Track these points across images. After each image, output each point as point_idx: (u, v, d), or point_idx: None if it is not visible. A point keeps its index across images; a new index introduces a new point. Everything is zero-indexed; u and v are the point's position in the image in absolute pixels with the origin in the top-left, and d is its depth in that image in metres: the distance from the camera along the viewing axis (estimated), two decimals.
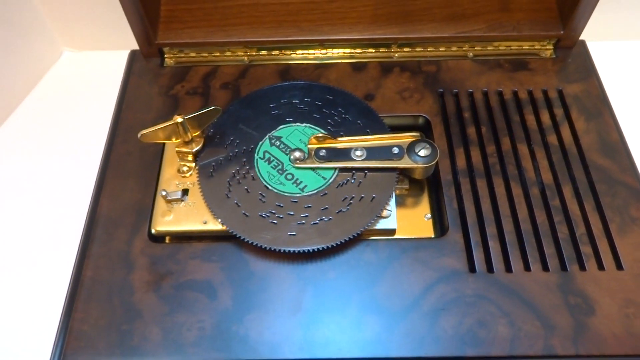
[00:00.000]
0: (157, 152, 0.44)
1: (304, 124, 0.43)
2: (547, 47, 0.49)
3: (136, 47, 0.50)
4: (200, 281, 0.38)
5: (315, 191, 0.40)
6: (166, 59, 0.50)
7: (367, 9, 0.49)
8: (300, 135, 0.43)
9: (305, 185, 0.40)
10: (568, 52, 0.49)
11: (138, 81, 0.48)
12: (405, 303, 0.37)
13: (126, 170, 0.43)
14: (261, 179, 0.40)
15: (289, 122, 0.43)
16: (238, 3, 0.49)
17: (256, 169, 0.41)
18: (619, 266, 0.38)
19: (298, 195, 0.40)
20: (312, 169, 0.41)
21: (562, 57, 0.49)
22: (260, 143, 0.42)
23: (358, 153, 0.41)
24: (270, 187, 0.40)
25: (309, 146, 0.42)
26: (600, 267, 0.38)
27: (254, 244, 0.38)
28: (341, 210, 0.39)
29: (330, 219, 0.39)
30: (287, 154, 0.42)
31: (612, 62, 0.58)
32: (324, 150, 0.41)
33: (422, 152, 0.40)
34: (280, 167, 0.41)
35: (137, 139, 0.44)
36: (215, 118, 0.41)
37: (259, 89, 0.46)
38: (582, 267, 0.38)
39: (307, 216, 0.39)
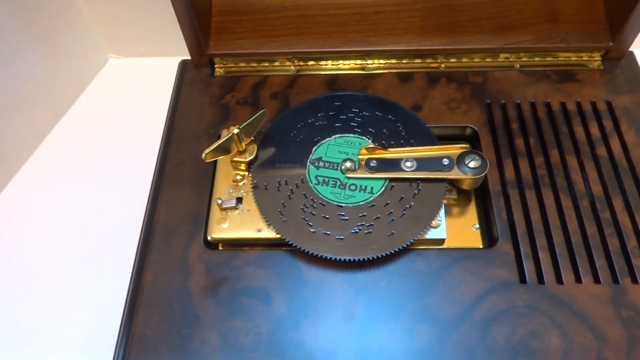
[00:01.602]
0: (210, 162, 0.45)
1: (333, 137, 0.44)
2: (595, 58, 0.49)
3: (181, 52, 0.52)
4: (256, 288, 0.39)
5: (383, 188, 0.41)
6: (216, 69, 0.51)
7: (414, 19, 0.49)
8: (336, 147, 0.43)
9: (372, 187, 0.41)
10: (616, 63, 0.49)
11: (189, 91, 0.50)
12: (457, 313, 0.38)
13: (181, 179, 0.45)
14: (331, 202, 0.41)
15: (317, 141, 0.44)
16: (286, 14, 0.50)
17: (320, 196, 0.41)
18: None
19: (371, 198, 0.41)
20: (364, 179, 0.42)
21: (610, 68, 0.49)
22: (307, 171, 0.42)
23: (408, 164, 0.42)
24: (343, 205, 0.41)
25: (360, 157, 0.42)
26: None
27: (367, 258, 0.38)
28: (416, 193, 0.40)
29: (412, 205, 0.40)
30: (337, 170, 0.42)
31: None
32: (374, 161, 0.42)
33: (472, 164, 0.41)
34: (339, 183, 0.42)
35: (190, 148, 0.46)
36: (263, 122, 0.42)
37: (270, 125, 0.45)
38: (634, 280, 0.38)
39: (391, 212, 0.40)
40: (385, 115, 0.45)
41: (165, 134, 0.48)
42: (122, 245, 0.49)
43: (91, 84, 0.67)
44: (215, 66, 0.51)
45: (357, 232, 0.39)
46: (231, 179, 0.44)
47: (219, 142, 0.40)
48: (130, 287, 0.40)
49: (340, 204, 0.41)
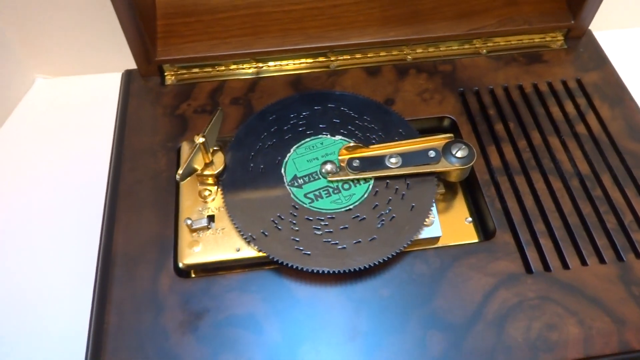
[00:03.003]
0: (171, 178, 0.40)
1: (291, 150, 0.40)
2: (558, 38, 0.49)
3: (117, 67, 0.47)
4: (242, 316, 0.34)
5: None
6: (167, 77, 0.46)
7: (374, 11, 0.47)
8: (302, 158, 0.39)
9: (365, 178, 0.38)
10: (578, 42, 0.49)
11: (138, 102, 0.44)
12: (468, 314, 0.34)
13: (139, 201, 0.39)
14: (338, 210, 0.37)
15: (280, 162, 0.39)
16: (239, 13, 0.46)
17: (323, 211, 0.37)
18: None
19: (371, 186, 0.38)
20: (344, 183, 0.38)
21: (573, 47, 0.49)
22: (292, 196, 0.37)
23: (393, 160, 0.38)
24: (351, 206, 0.37)
25: (340, 157, 0.39)
26: None
27: (406, 246, 0.35)
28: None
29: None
30: (319, 178, 0.38)
31: (617, 50, 0.59)
32: (357, 161, 0.39)
33: (460, 153, 0.38)
34: (331, 189, 0.38)
35: (147, 165, 0.41)
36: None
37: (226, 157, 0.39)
38: (638, 255, 0.37)
39: (397, 188, 0.38)
40: (325, 106, 0.42)
41: (114, 151, 0.42)
42: (76, 286, 0.43)
43: (18, 107, 0.59)
44: (165, 74, 0.46)
45: (382, 224, 0.36)
46: (198, 195, 0.39)
47: (190, 157, 0.35)
48: (91, 332, 0.34)
49: (348, 208, 0.37)
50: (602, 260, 0.37)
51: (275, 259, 0.35)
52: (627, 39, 0.65)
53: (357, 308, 0.35)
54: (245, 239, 0.36)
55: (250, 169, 0.39)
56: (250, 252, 0.36)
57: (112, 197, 0.39)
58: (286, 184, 0.38)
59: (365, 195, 0.37)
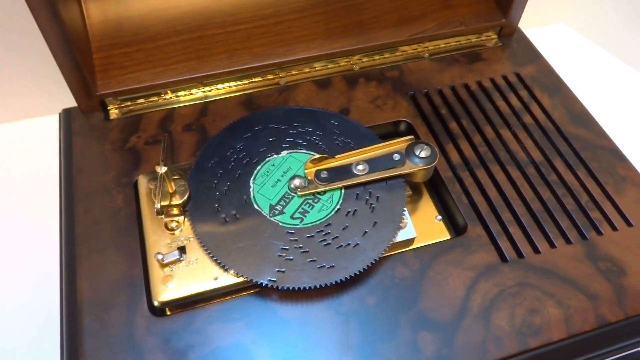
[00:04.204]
0: (132, 214, 0.38)
1: (251, 184, 0.38)
2: (492, 36, 0.51)
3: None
4: (229, 346, 0.33)
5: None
6: (110, 111, 0.44)
7: (318, 24, 0.47)
8: (266, 185, 0.38)
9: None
10: (510, 39, 0.52)
11: (83, 141, 0.42)
12: (454, 310, 0.35)
13: (100, 242, 0.36)
14: (329, 216, 0.37)
15: (248, 199, 0.37)
16: (181, 38, 0.45)
17: (317, 223, 0.36)
18: (629, 223, 0.39)
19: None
20: (317, 193, 0.38)
21: (506, 44, 0.51)
22: (283, 225, 0.36)
23: (360, 167, 0.39)
24: (339, 207, 0.37)
25: (307, 171, 0.38)
26: (614, 228, 0.39)
27: (404, 212, 0.37)
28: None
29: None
30: (295, 196, 0.38)
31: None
32: (324, 172, 0.38)
33: (423, 154, 0.39)
34: (313, 199, 0.37)
35: (102, 204, 0.39)
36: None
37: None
38: (599, 232, 0.39)
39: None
40: (253, 130, 0.41)
41: (64, 195, 0.39)
42: (39, 344, 0.39)
43: None
44: (109, 108, 0.44)
45: (373, 208, 0.37)
46: (164, 228, 0.37)
47: (160, 188, 0.34)
48: None
49: (336, 209, 0.37)
50: (568, 241, 0.38)
51: (307, 287, 0.34)
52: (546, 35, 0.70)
53: (346, 320, 0.34)
54: (266, 285, 0.34)
55: (226, 221, 0.37)
56: (229, 279, 0.34)
57: (69, 243, 0.37)
58: (268, 217, 0.37)
59: (344, 190, 0.38)
